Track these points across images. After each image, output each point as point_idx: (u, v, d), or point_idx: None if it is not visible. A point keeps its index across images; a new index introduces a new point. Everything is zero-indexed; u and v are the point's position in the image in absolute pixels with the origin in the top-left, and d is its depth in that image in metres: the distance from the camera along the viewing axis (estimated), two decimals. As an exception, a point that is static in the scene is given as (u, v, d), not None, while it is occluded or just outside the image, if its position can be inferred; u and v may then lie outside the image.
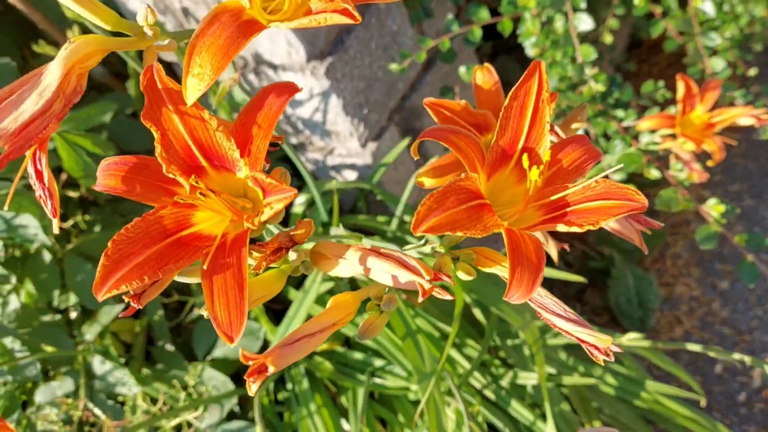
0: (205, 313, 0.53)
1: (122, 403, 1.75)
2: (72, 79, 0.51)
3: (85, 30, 1.92)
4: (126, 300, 0.58)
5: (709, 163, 1.31)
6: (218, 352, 1.75)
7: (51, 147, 1.74)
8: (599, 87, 1.40)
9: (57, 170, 1.85)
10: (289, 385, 1.76)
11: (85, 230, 1.83)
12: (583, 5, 1.56)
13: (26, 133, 0.48)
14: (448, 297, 0.56)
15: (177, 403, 1.69)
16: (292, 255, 0.60)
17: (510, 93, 0.61)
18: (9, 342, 1.68)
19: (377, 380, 1.66)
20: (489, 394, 1.56)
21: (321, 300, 1.71)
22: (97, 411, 1.67)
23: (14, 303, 1.74)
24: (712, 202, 1.27)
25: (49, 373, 1.79)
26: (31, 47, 2.09)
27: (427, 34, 2.04)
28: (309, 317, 1.66)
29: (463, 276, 0.59)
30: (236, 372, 1.86)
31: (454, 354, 1.58)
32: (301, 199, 1.92)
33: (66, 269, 1.74)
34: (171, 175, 0.55)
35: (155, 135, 0.54)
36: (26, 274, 1.78)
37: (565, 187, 0.59)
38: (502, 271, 0.60)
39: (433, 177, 0.79)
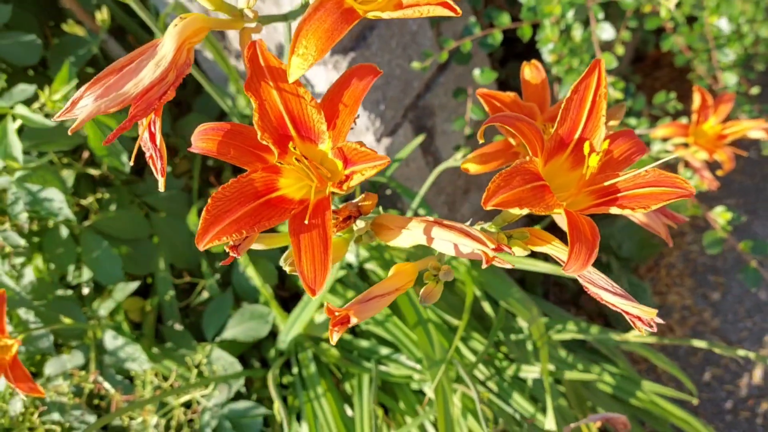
0: (288, 269, 0.58)
1: (131, 379, 1.78)
2: (183, 53, 0.56)
3: (113, 11, 1.96)
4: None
5: (719, 173, 1.37)
6: (227, 334, 1.79)
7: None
8: (617, 94, 1.46)
9: (79, 149, 1.89)
10: (295, 369, 1.80)
11: (101, 209, 1.87)
12: (601, 15, 1.63)
13: (147, 98, 0.53)
14: (508, 266, 0.61)
15: (186, 382, 1.73)
16: (360, 223, 0.65)
17: (572, 87, 0.66)
18: (23, 313, 1.71)
19: (382, 368, 1.71)
20: (492, 385, 1.61)
21: (332, 289, 1.75)
22: (107, 385, 1.71)
23: (29, 275, 1.78)
24: (719, 209, 1.34)
25: (59, 346, 1.83)
26: (51, 26, 2.13)
27: (444, 35, 2.09)
28: (321, 304, 1.71)
29: (518, 252, 0.65)
30: (241, 354, 1.90)
31: (460, 346, 1.63)
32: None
33: (83, 245, 1.77)
34: (264, 142, 0.60)
35: (253, 104, 0.59)
36: (42, 248, 1.81)
37: (616, 174, 0.65)
38: (552, 249, 0.65)
39: (478, 163, 0.85)
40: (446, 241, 0.62)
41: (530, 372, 1.62)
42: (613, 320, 2.48)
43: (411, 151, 1.96)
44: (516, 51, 2.54)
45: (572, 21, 1.66)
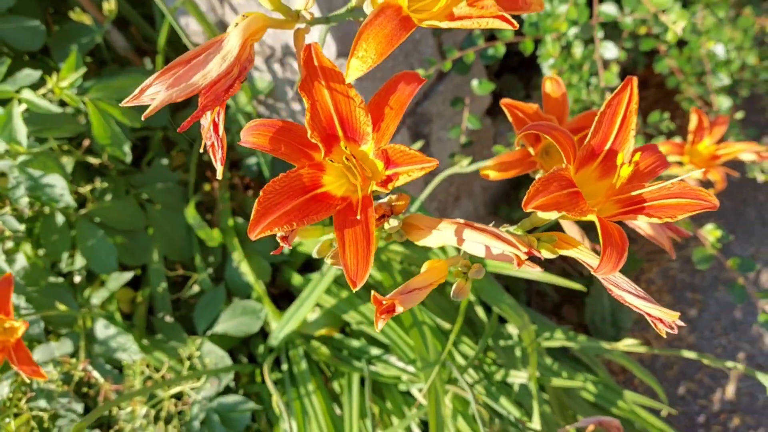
0: (329, 261, 0.61)
1: (120, 369, 1.78)
2: (246, 49, 0.59)
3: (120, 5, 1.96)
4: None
5: (711, 191, 1.42)
6: (219, 328, 1.81)
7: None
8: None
9: (80, 137, 1.89)
10: (284, 366, 1.82)
11: (97, 198, 1.87)
12: (600, 35, 1.68)
13: (215, 90, 0.55)
14: (538, 269, 0.65)
15: (177, 374, 1.74)
16: (392, 222, 0.68)
17: (606, 101, 0.70)
18: (14, 298, 1.70)
19: (371, 368, 1.74)
20: (480, 389, 1.65)
21: (327, 289, 1.77)
22: (96, 374, 1.71)
23: (21, 261, 1.77)
24: (709, 227, 1.39)
25: (48, 333, 1.82)
26: (51, 13, 2.12)
27: (444, 44, 2.13)
28: (317, 303, 1.73)
29: (546, 254, 0.68)
30: (230, 349, 1.91)
31: (452, 350, 1.66)
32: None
33: (78, 233, 1.77)
34: (313, 140, 0.63)
35: (306, 104, 0.62)
36: (37, 234, 1.81)
37: (642, 185, 0.69)
38: (578, 253, 0.69)
39: (498, 171, 0.88)
40: (477, 243, 0.66)
41: (518, 377, 1.66)
42: (593, 331, 2.53)
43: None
44: (511, 65, 2.59)
45: (573, 38, 1.71)
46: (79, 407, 1.75)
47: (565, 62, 1.70)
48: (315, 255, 0.69)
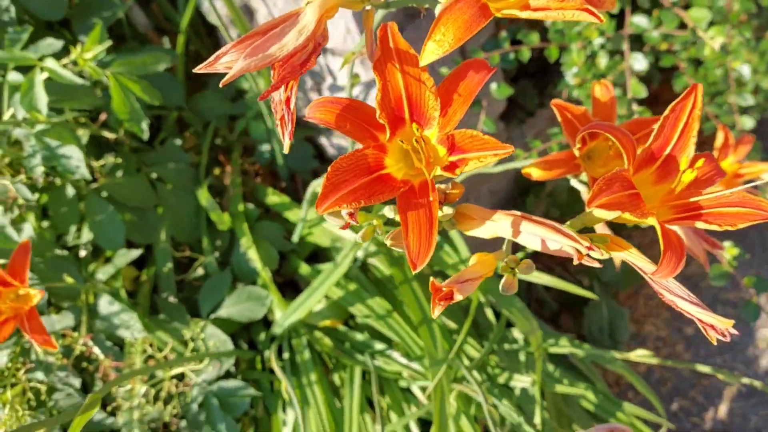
0: (388, 242, 0.61)
1: (120, 346, 1.77)
2: (321, 25, 0.58)
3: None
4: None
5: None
6: (223, 312, 1.80)
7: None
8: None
9: (95, 111, 1.88)
10: (286, 355, 1.81)
11: (109, 174, 1.86)
12: (625, 46, 1.68)
13: (291, 64, 0.55)
14: (597, 265, 0.65)
15: (179, 355, 1.73)
16: (446, 210, 0.68)
17: (670, 106, 0.70)
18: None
19: (374, 362, 1.73)
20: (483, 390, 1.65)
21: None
22: (96, 350, 1.69)
23: (28, 230, 1.76)
24: (726, 244, 1.40)
25: (49, 305, 1.81)
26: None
27: (466, 45, 2.13)
28: (326, 295, 1.72)
29: (596, 255, 0.68)
30: (231, 334, 1.90)
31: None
32: (321, 180, 1.98)
33: (87, 207, 1.76)
34: (381, 121, 0.62)
35: (378, 84, 0.62)
36: (45, 205, 1.80)
37: (700, 192, 0.69)
38: (629, 256, 0.69)
39: (542, 170, 0.88)
40: (534, 236, 0.65)
41: (520, 382, 1.66)
42: (590, 341, 2.54)
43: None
44: (528, 70, 2.59)
45: (598, 48, 1.72)
46: (76, 382, 1.74)
47: (588, 71, 1.71)
48: (359, 240, 0.68)
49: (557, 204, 2.66)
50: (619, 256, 0.70)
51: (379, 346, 1.74)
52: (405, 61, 0.62)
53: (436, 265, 1.76)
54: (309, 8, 0.58)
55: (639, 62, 1.57)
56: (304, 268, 1.86)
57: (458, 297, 0.62)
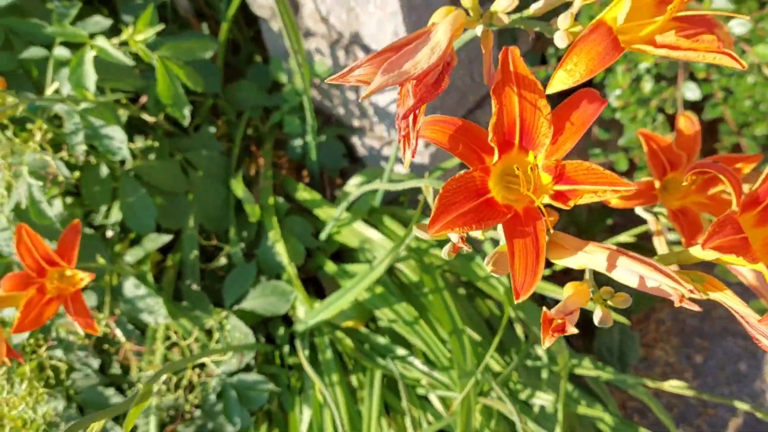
0: (489, 269, 0.61)
1: (142, 331, 1.77)
2: (451, 44, 0.58)
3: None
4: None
5: None
6: (247, 304, 1.79)
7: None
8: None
9: (137, 93, 1.87)
10: (306, 353, 1.81)
11: (142, 156, 1.85)
12: (679, 73, 1.68)
13: (425, 83, 0.55)
14: (696, 308, 0.64)
15: (203, 345, 1.72)
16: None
17: None
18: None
19: (393, 367, 1.73)
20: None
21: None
22: (118, 332, 1.68)
23: (58, 206, 1.75)
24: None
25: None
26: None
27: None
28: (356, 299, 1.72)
29: (695, 297, 0.68)
30: (252, 327, 1.89)
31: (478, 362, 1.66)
32: (356, 181, 1.98)
33: (120, 189, 1.75)
34: (492, 144, 0.62)
35: (494, 107, 0.62)
36: (76, 182, 1.78)
37: None
38: (725, 298, 0.69)
39: (622, 199, 0.88)
40: (632, 273, 0.65)
41: (540, 399, 1.66)
42: (600, 362, 2.54)
43: (455, 165, 1.99)
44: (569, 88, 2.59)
45: (644, 72, 1.72)
46: (95, 363, 1.74)
47: (632, 95, 1.71)
48: (486, 267, 0.67)
49: (576, 222, 2.66)
50: (715, 297, 0.70)
51: (401, 351, 1.74)
52: (523, 86, 0.62)
53: (465, 276, 1.76)
54: (441, 26, 0.57)
55: (692, 91, 1.57)
56: (330, 266, 1.86)
57: (571, 330, 0.62)
